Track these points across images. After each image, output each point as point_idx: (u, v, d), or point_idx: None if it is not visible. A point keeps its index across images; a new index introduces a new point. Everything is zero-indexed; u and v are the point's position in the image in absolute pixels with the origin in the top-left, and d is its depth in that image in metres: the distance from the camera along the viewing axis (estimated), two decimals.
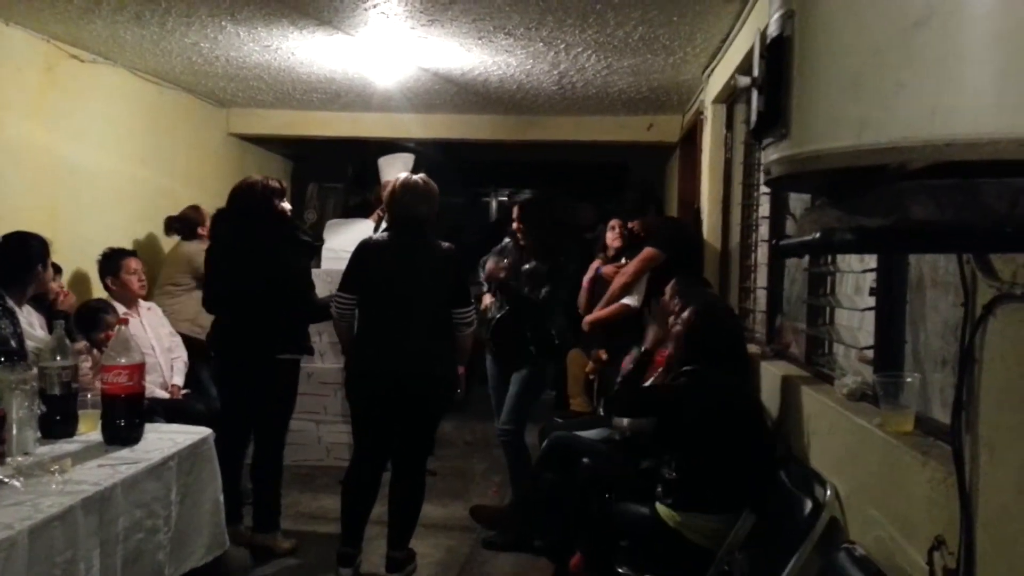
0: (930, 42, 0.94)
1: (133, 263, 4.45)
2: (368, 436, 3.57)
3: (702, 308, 3.01)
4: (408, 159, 5.57)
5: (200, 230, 4.92)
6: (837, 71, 1.01)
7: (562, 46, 4.28)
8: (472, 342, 3.74)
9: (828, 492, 2.23)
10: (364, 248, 3.56)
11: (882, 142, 0.97)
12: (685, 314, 2.99)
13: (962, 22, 0.93)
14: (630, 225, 4.69)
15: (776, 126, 1.11)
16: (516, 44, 4.27)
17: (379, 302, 3.48)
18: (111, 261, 4.42)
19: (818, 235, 1.11)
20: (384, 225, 4.20)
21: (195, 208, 5.10)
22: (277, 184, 3.84)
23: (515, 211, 4.30)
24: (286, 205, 3.87)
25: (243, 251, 3.72)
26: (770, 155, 1.17)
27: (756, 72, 1.17)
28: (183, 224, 5.06)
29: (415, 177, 3.60)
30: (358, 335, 3.55)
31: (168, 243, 5.35)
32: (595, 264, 4.89)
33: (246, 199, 3.77)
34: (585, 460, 3.32)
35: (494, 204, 10.80)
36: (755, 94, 1.17)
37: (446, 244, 3.55)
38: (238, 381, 3.80)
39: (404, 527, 3.55)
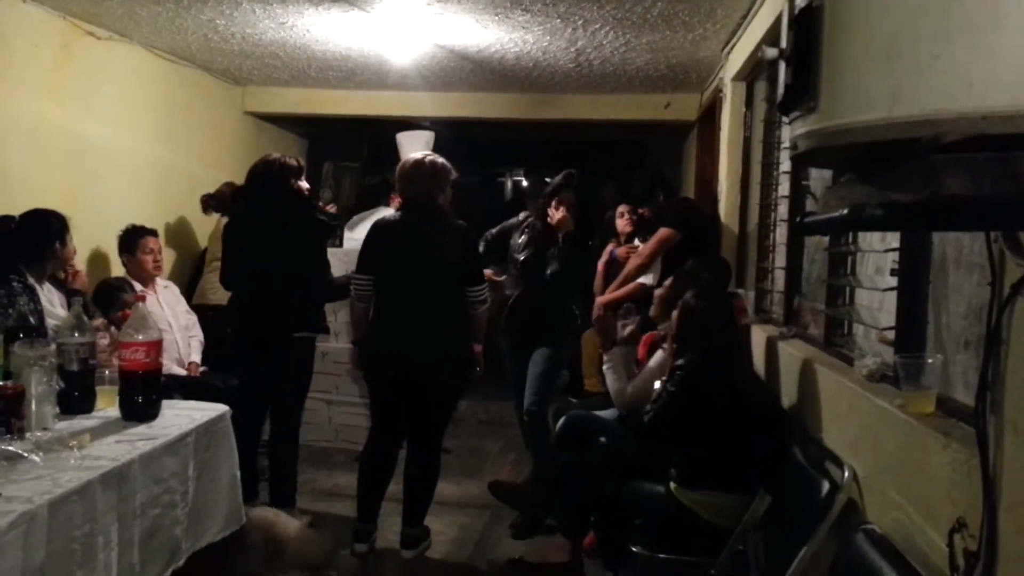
0: (968, 11, 0.90)
1: (151, 242, 4.47)
2: (383, 414, 3.60)
3: (697, 293, 3.00)
4: (429, 137, 5.54)
5: None
6: (869, 41, 0.98)
7: (580, 22, 4.23)
8: (487, 320, 3.73)
9: (846, 473, 2.21)
10: (376, 228, 3.58)
11: (915, 114, 0.94)
12: (683, 299, 3.00)
13: None
14: (640, 211, 4.67)
15: (804, 99, 1.09)
16: (533, 20, 4.22)
17: (390, 282, 3.49)
18: (129, 238, 4.44)
19: (846, 211, 1.08)
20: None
21: (230, 184, 5.11)
22: (295, 163, 3.83)
23: (566, 196, 4.22)
24: (304, 184, 3.86)
25: (260, 229, 3.72)
26: (797, 129, 1.14)
27: (784, 43, 1.14)
28: (219, 201, 5.07)
29: (424, 156, 3.58)
30: (372, 315, 3.57)
31: (199, 221, 5.38)
32: (609, 247, 4.88)
33: (264, 177, 3.77)
34: (601, 439, 3.32)
35: (509, 184, 10.75)
36: (783, 66, 1.15)
37: (459, 222, 3.53)
38: (255, 359, 3.81)
39: (419, 504, 3.58)
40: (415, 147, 5.27)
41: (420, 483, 3.58)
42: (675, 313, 3.00)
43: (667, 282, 3.55)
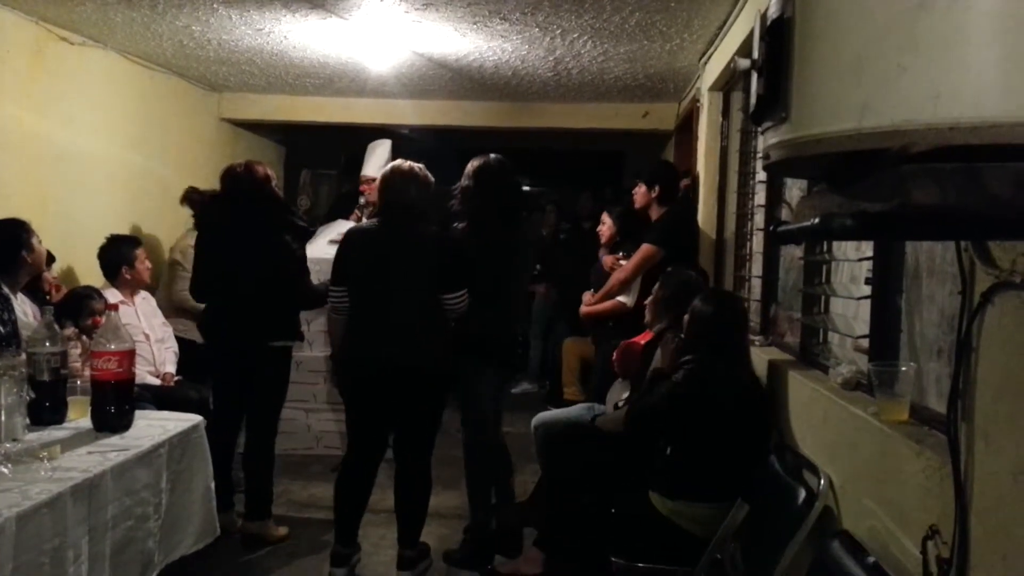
0: (934, 24, 0.92)
1: (143, 251, 4.44)
2: (358, 428, 3.47)
3: (705, 297, 2.99)
4: (387, 145, 5.41)
5: None
6: (839, 53, 0.99)
7: (558, 32, 4.25)
8: None
9: (822, 481, 2.22)
10: (349, 236, 3.46)
11: (884, 125, 0.95)
12: (695, 302, 2.97)
13: (967, 4, 0.91)
14: (653, 193, 4.56)
15: (776, 109, 1.10)
16: (511, 29, 4.23)
17: (362, 291, 3.35)
18: (127, 249, 4.37)
19: (817, 220, 1.10)
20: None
21: (195, 190, 4.99)
22: (267, 170, 3.82)
23: (469, 168, 3.59)
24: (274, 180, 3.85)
25: (240, 236, 3.67)
26: (769, 139, 1.15)
27: (756, 54, 1.15)
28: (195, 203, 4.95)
29: (406, 163, 3.52)
30: (347, 324, 3.43)
31: (173, 229, 5.31)
32: (600, 254, 4.93)
33: (244, 183, 3.73)
34: (578, 449, 3.32)
35: None
36: (755, 77, 1.15)
37: (435, 229, 3.46)
38: (230, 368, 3.77)
39: (411, 523, 3.45)
40: (377, 157, 5.22)
41: (411, 502, 3.45)
42: (685, 319, 2.98)
43: (657, 287, 3.54)
